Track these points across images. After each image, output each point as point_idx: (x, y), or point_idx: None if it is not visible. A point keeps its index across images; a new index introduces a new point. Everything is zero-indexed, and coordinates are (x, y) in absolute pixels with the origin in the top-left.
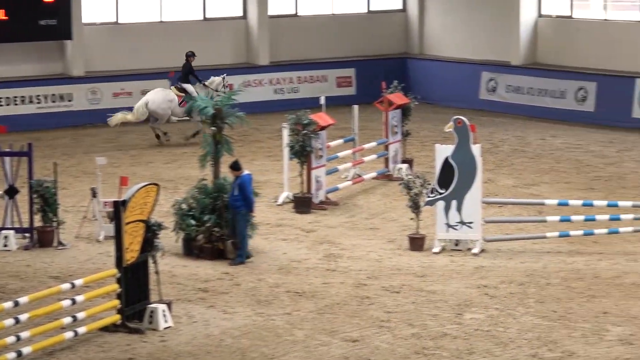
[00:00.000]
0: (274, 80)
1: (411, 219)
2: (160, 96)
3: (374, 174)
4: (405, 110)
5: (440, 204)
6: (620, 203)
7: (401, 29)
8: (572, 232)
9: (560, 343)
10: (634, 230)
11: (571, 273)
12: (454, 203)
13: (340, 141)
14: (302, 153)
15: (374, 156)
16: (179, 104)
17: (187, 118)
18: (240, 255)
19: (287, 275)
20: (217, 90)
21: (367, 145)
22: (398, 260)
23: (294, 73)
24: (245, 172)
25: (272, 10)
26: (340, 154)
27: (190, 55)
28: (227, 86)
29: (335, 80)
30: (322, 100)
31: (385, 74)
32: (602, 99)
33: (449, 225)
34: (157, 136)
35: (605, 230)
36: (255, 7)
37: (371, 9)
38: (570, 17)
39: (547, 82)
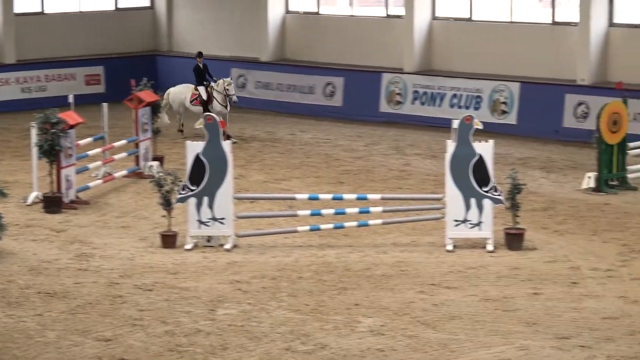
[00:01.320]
0: (20, 79)
1: (163, 216)
2: (178, 90)
3: (124, 172)
4: (155, 108)
5: (192, 201)
6: (369, 196)
7: (149, 26)
8: (322, 226)
9: (312, 336)
10: (382, 223)
11: (322, 266)
12: (205, 199)
13: (90, 139)
14: (51, 152)
15: (124, 154)
16: (191, 101)
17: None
18: None
19: (38, 276)
20: (225, 92)
21: (117, 144)
22: (150, 258)
23: (42, 71)
24: None
25: (17, 8)
26: (90, 153)
27: (197, 56)
28: (227, 88)
29: (84, 78)
30: (71, 99)
31: (135, 72)
32: (350, 94)
33: (200, 222)
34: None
35: (355, 223)
36: (0, 5)
37: (119, 6)
38: (317, 13)
39: (295, 78)
